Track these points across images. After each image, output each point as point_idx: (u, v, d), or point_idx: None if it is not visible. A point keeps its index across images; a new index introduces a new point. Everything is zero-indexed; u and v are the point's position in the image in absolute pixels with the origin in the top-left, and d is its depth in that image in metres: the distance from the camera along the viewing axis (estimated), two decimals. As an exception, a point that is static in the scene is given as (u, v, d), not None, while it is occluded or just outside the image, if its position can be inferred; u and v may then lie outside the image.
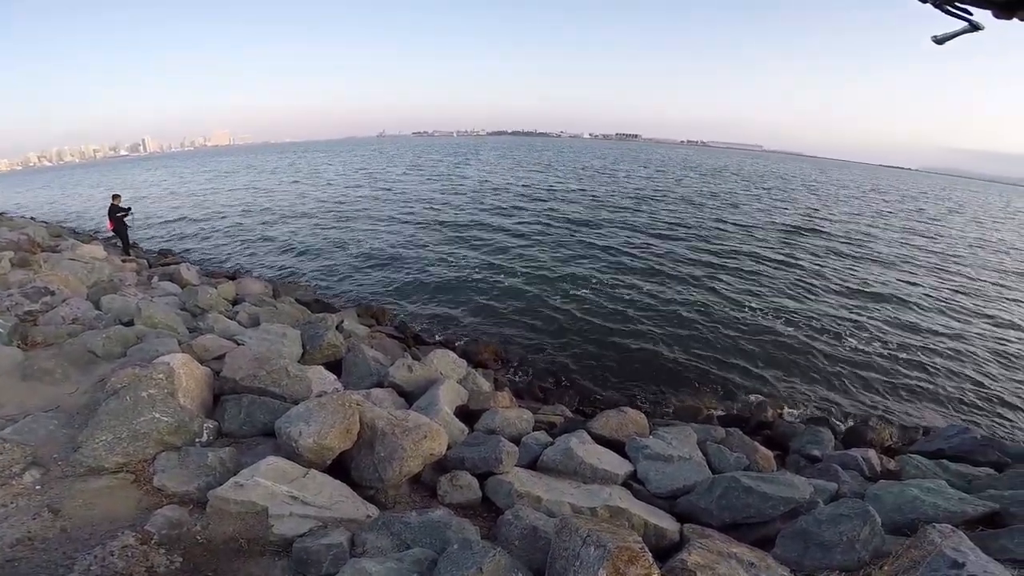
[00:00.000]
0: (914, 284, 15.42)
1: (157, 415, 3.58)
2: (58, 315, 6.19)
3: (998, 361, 10.08)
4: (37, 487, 2.87)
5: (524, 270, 14.37)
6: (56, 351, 4.69)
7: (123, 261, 12.06)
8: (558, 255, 15.79)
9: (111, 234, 14.69)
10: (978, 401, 8.48)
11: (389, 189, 32.89)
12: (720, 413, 7.43)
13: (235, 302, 9.48)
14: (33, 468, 2.99)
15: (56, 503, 2.75)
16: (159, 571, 2.39)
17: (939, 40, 1.25)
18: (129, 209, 13.47)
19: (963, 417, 7.94)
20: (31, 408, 3.63)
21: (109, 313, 6.67)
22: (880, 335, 10.89)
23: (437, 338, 10.00)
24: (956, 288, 15.49)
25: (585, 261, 15.34)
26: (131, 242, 14.39)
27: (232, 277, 12.64)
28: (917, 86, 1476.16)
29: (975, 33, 1.13)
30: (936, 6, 1.10)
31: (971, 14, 1.10)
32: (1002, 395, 8.70)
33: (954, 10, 1.10)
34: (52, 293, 6.96)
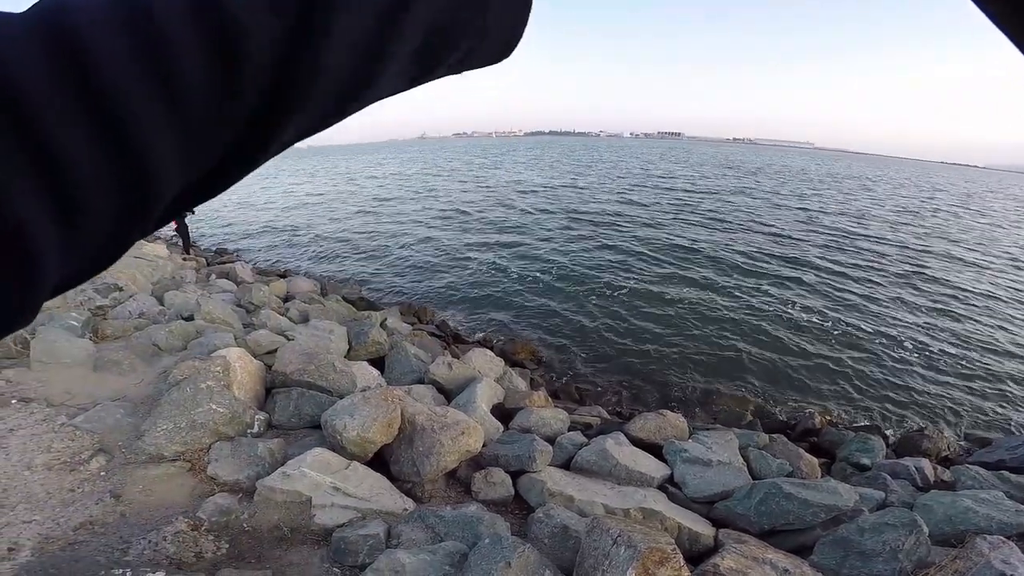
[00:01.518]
0: (979, 290, 14.53)
1: (214, 406, 3.80)
2: (126, 310, 6.62)
3: None
4: (102, 473, 3.11)
5: (562, 273, 14.30)
6: (124, 343, 5.04)
7: (184, 259, 12.76)
8: (596, 259, 15.61)
9: (173, 233, 15.52)
10: None
11: (430, 192, 33.33)
12: (764, 419, 7.24)
13: (286, 299, 9.90)
14: (100, 455, 3.25)
15: (118, 489, 2.98)
16: (207, 556, 2.56)
17: None
18: (192, 211, 14.23)
19: None
20: (100, 397, 3.93)
21: (171, 308, 7.09)
22: (942, 342, 10.31)
23: (476, 337, 10.13)
24: None
25: (624, 265, 15.11)
26: (191, 241, 15.17)
27: (283, 275, 13.17)
28: (986, 76, 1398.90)
29: None
30: None
31: None
32: None
33: None
34: (120, 289, 7.45)
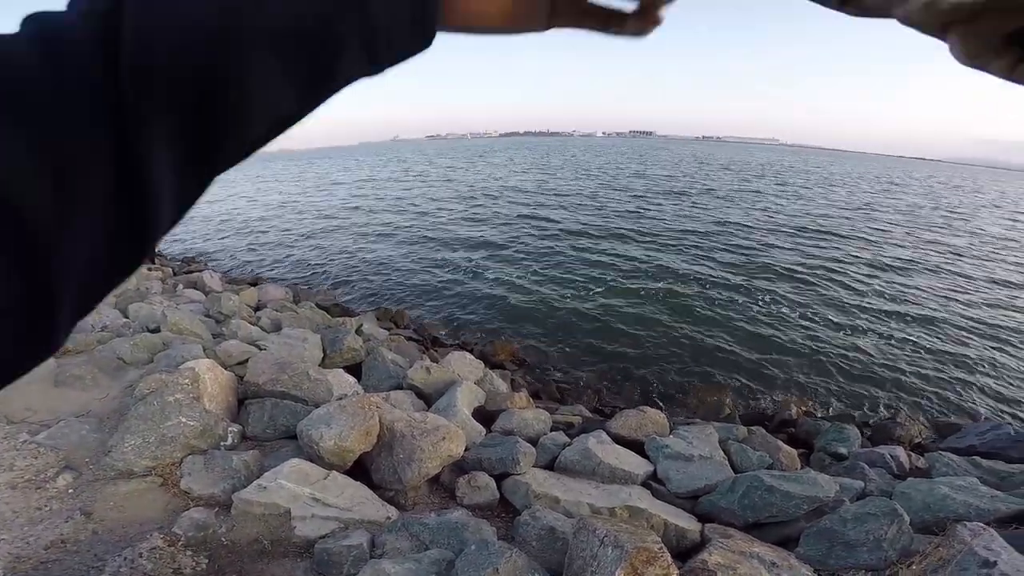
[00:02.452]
0: (941, 278, 15.06)
1: (184, 419, 3.66)
2: (87, 323, 6.36)
3: None
4: (70, 491, 2.97)
5: (539, 273, 14.36)
6: (86, 358, 4.84)
7: (148, 269, 12.36)
8: (571, 260, 15.69)
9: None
10: (1013, 396, 8.23)
11: (404, 194, 33.11)
12: (742, 411, 7.34)
13: (257, 308, 9.67)
14: (66, 472, 3.10)
15: (88, 506, 2.85)
16: (186, 572, 2.46)
17: None
18: None
19: (997, 413, 7.71)
20: (63, 413, 3.76)
21: (136, 320, 6.85)
22: (906, 330, 10.65)
23: (454, 340, 10.06)
24: (990, 281, 15.08)
25: (598, 265, 15.22)
26: (157, 250, 14.73)
27: (254, 283, 12.88)
28: (945, 73, 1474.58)
29: None
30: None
31: None
32: None
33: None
34: (82, 302, 7.18)
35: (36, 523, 2.64)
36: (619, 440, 4.70)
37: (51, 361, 4.43)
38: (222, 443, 3.82)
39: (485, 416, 5.34)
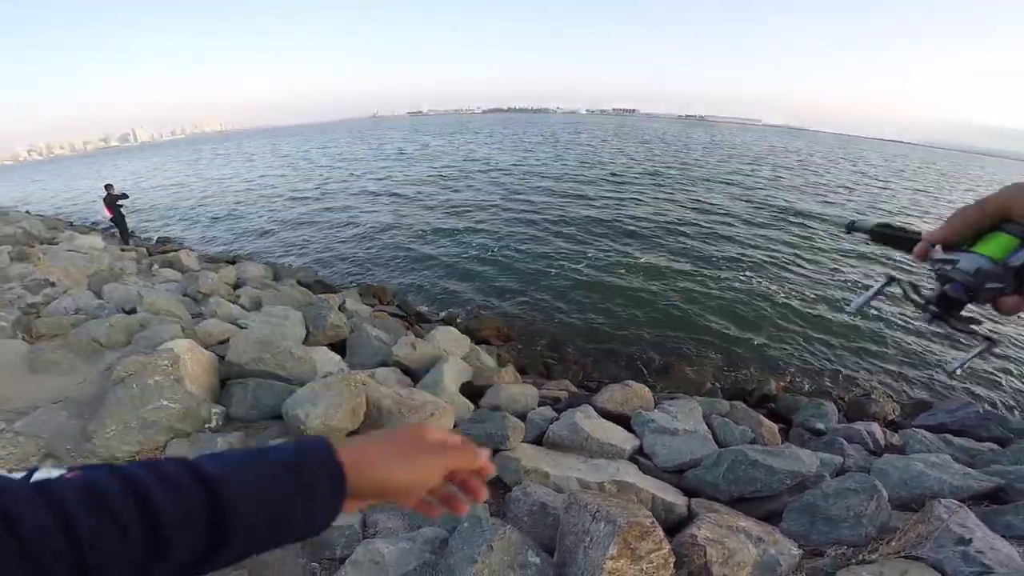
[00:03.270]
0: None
1: (165, 402, 3.59)
2: (60, 306, 6.18)
3: (998, 335, 10.05)
4: (51, 480, 2.89)
5: (522, 247, 14.30)
6: (61, 342, 4.70)
7: (122, 250, 12.02)
8: (553, 235, 15.63)
9: (109, 224, 14.60)
10: (981, 374, 8.46)
11: (382, 171, 32.52)
12: (722, 386, 7.45)
13: (236, 286, 9.48)
14: (47, 460, 3.02)
15: (70, 496, 2.77)
16: (176, 559, 2.42)
17: (954, 372, 1.00)
18: (125, 195, 13.37)
19: (966, 390, 7.91)
20: (40, 400, 3.64)
21: (111, 302, 6.67)
22: (880, 306, 10.85)
23: (439, 315, 10.01)
24: None
25: (580, 237, 15.23)
26: (130, 231, 14.31)
27: (232, 262, 12.62)
28: (929, 56, 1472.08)
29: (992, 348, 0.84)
30: (933, 320, 0.81)
31: (979, 323, 0.81)
32: (1006, 368, 8.67)
33: (959, 326, 0.79)
34: (53, 284, 6.95)
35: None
36: (605, 414, 4.74)
37: (24, 347, 4.30)
38: (206, 425, 3.77)
39: (473, 391, 5.35)
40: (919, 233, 0.84)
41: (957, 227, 0.75)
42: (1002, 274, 0.69)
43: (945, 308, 0.79)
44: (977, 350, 0.85)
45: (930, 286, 0.82)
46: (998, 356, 8.80)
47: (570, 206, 19.33)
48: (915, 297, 0.84)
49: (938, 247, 0.80)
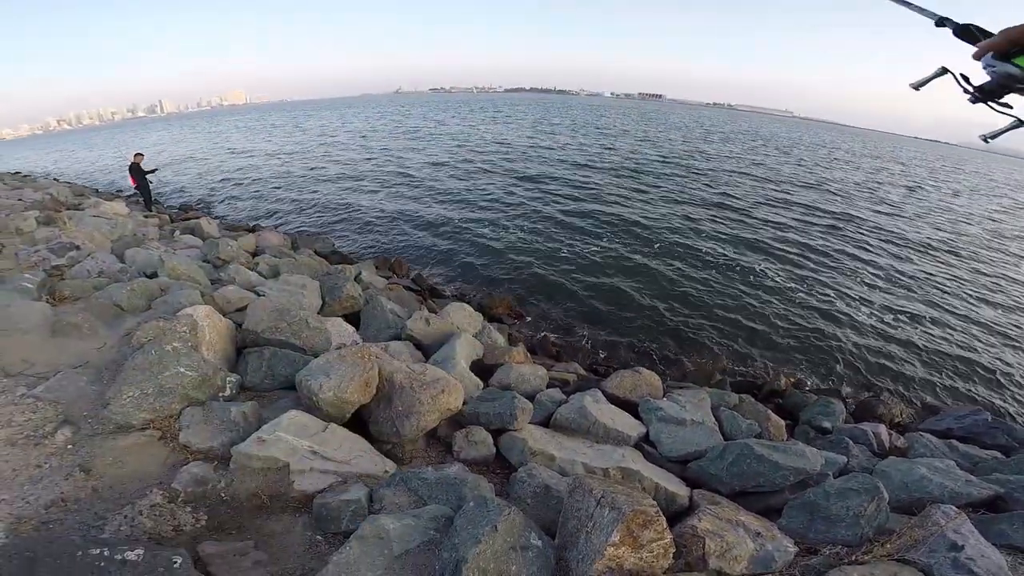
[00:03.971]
0: (939, 264, 14.87)
1: (182, 369, 3.65)
2: (84, 269, 6.30)
3: (1014, 344, 9.81)
4: (69, 446, 2.96)
5: (536, 230, 14.22)
6: (83, 305, 4.79)
7: (145, 216, 12.20)
8: (570, 218, 15.49)
9: (133, 191, 14.81)
10: (993, 383, 8.29)
11: (400, 149, 32.33)
12: (732, 379, 7.40)
13: (255, 254, 9.60)
14: (65, 427, 3.09)
15: (87, 462, 2.84)
16: (185, 529, 2.49)
17: (987, 138, 1.37)
18: (155, 170, 13.64)
19: (977, 398, 7.80)
20: (61, 365, 3.73)
21: (133, 266, 6.78)
22: (899, 312, 10.60)
23: (452, 291, 10.04)
24: (980, 270, 14.95)
25: (598, 224, 15.02)
26: (153, 198, 14.50)
27: (251, 230, 12.77)
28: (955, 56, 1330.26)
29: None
30: (975, 102, 1.20)
31: (1011, 107, 1.17)
32: (1017, 378, 8.49)
33: (997, 106, 1.18)
34: (77, 248, 7.08)
35: (36, 482, 2.62)
36: (613, 400, 4.74)
37: (48, 309, 4.39)
38: (220, 394, 3.83)
39: (483, 369, 5.37)
40: (990, 35, 1.14)
41: (1002, 42, 1.06)
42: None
43: (985, 95, 1.17)
44: (1009, 123, 1.21)
45: (979, 80, 1.17)
46: (1017, 368, 8.64)
47: (591, 193, 19.08)
48: (963, 83, 1.20)
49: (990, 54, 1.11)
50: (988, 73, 1.11)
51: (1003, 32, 1.07)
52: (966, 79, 1.18)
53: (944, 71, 1.23)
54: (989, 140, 1.35)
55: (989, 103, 1.16)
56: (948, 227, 19.33)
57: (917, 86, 1.37)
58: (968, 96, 1.18)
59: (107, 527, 2.39)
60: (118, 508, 2.53)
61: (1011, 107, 1.15)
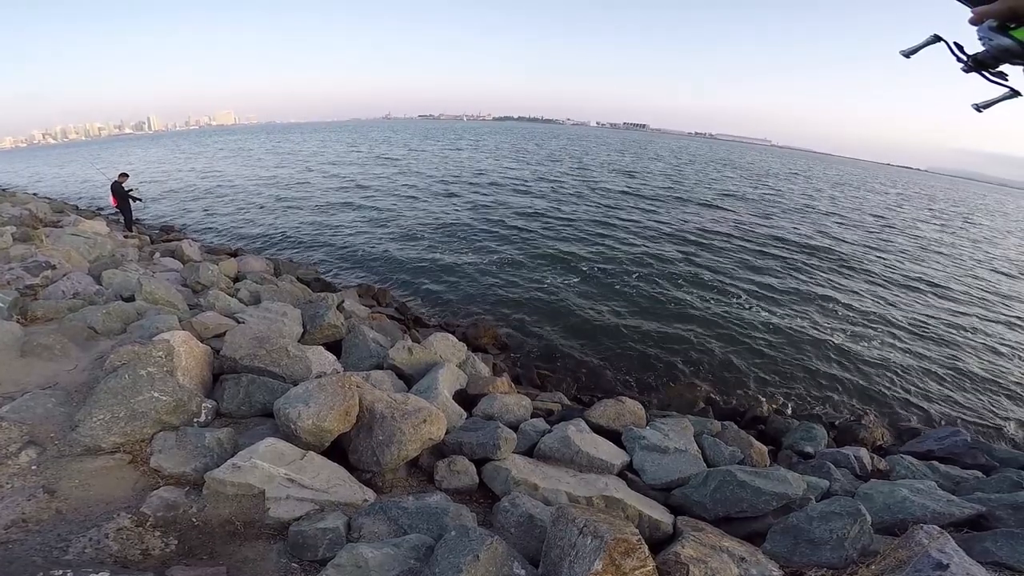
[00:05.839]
0: (914, 286, 15.31)
1: (156, 394, 3.55)
2: (59, 289, 6.16)
3: (990, 363, 10.06)
4: (33, 467, 2.84)
5: (523, 258, 14.33)
6: (56, 326, 4.68)
7: (125, 237, 12.03)
8: (554, 248, 15.67)
9: (114, 210, 14.64)
10: (970, 403, 8.45)
11: (391, 174, 32.58)
12: (715, 406, 7.42)
13: (236, 279, 9.47)
14: (30, 447, 2.97)
15: (52, 484, 2.73)
16: (154, 554, 2.38)
17: (979, 107, 1.32)
18: (135, 190, 13.51)
19: (956, 418, 7.93)
20: (29, 385, 3.61)
21: (110, 288, 6.65)
22: (876, 335, 10.84)
23: (437, 321, 9.98)
24: (956, 290, 15.39)
25: (582, 255, 15.20)
26: (134, 218, 14.33)
27: (234, 254, 12.63)
28: (926, 83, 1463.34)
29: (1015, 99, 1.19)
30: (968, 71, 1.16)
31: (1006, 77, 1.14)
32: (994, 399, 8.68)
33: (990, 76, 1.15)
34: (53, 267, 6.94)
35: (-4, 501, 2.53)
36: (597, 429, 4.72)
37: (18, 329, 4.27)
38: (195, 419, 3.73)
39: (466, 399, 5.31)
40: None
41: (1002, 9, 1.02)
42: (1020, 52, 1.02)
43: (978, 64, 1.13)
44: (1002, 94, 1.19)
45: (972, 50, 1.13)
46: (993, 388, 8.82)
47: (574, 223, 19.33)
48: (956, 52, 1.16)
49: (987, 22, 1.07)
50: (984, 44, 1.08)
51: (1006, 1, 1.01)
52: (960, 48, 1.15)
53: (937, 39, 1.20)
54: (982, 109, 1.31)
55: (983, 73, 1.13)
56: (916, 250, 19.89)
57: (908, 54, 1.34)
58: (961, 65, 1.14)
59: (71, 549, 2.28)
60: (83, 530, 2.42)
61: (1006, 77, 1.12)
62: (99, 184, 26.82)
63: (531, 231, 17.31)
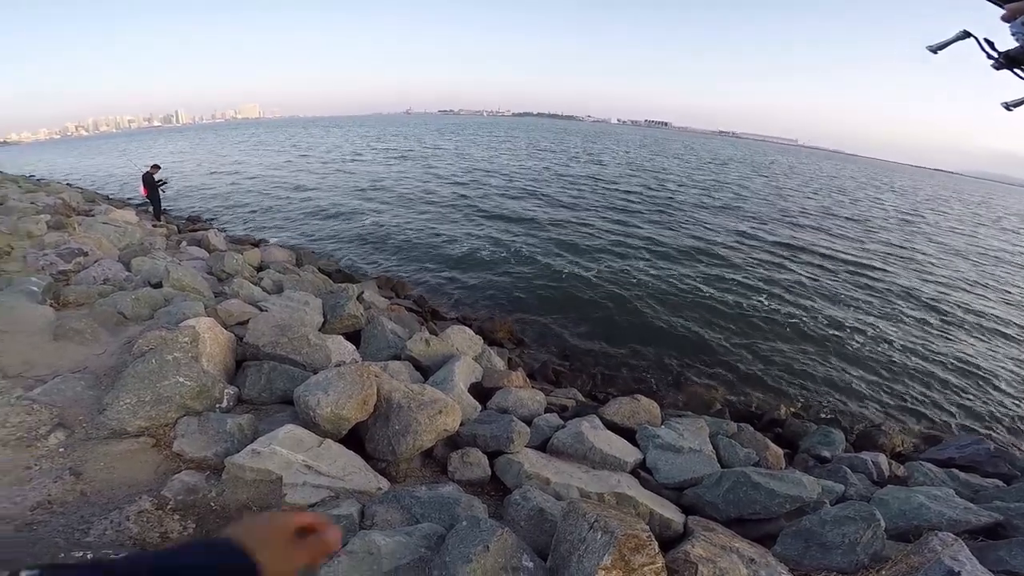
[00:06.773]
0: (945, 294, 14.87)
1: (181, 379, 3.66)
2: (90, 275, 6.36)
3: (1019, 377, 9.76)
4: (61, 449, 2.95)
5: (542, 253, 14.31)
6: (87, 311, 4.83)
7: (154, 226, 12.34)
8: (576, 239, 15.65)
9: (143, 200, 15.00)
10: (996, 413, 8.22)
11: (412, 166, 32.74)
12: (731, 407, 7.35)
13: (260, 268, 9.66)
14: (59, 430, 3.08)
15: (78, 466, 2.83)
16: (172, 537, 2.46)
17: (1009, 105, 1.31)
18: (165, 182, 13.82)
19: (980, 428, 7.71)
20: (60, 368, 3.74)
21: (139, 275, 6.83)
22: (904, 342, 10.55)
23: (454, 314, 10.05)
24: (986, 300, 14.93)
25: (600, 251, 15.13)
26: (163, 208, 14.67)
27: (257, 244, 12.87)
28: (962, 83, 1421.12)
29: None
30: (999, 68, 1.13)
31: None
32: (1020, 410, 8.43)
33: (1022, 74, 1.12)
34: (85, 254, 7.16)
35: (24, 483, 2.61)
36: (611, 426, 4.72)
37: (51, 313, 4.42)
38: (218, 405, 3.83)
39: (481, 392, 5.35)
40: None
41: None
42: None
43: (1009, 61, 1.12)
44: None
45: (1005, 47, 1.11)
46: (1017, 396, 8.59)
47: (595, 219, 19.26)
48: (987, 48, 1.16)
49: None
50: (1017, 39, 1.04)
51: None
52: (990, 44, 1.12)
53: (966, 34, 1.18)
54: (1012, 108, 1.28)
55: (1014, 70, 1.10)
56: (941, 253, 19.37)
57: (935, 49, 1.32)
58: (991, 62, 1.11)
59: (92, 531, 2.37)
60: (105, 513, 2.51)
61: None
62: (127, 175, 27.48)
63: (551, 228, 17.27)
